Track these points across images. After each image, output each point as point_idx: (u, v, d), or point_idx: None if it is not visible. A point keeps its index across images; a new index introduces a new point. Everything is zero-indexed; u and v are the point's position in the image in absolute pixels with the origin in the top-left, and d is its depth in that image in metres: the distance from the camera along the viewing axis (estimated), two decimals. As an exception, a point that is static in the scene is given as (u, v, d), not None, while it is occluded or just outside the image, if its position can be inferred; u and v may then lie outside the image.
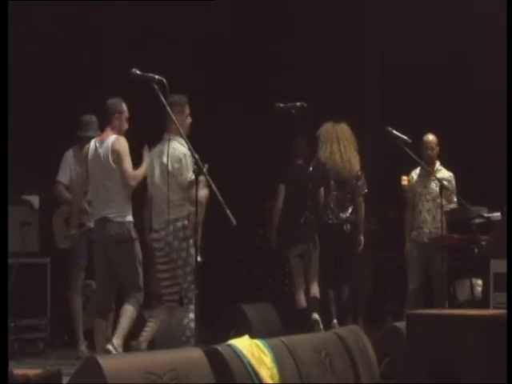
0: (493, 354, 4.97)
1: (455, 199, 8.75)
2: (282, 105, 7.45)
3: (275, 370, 4.79)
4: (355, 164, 8.43)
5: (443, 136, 9.08)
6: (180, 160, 6.74)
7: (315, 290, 8.30)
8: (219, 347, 4.69)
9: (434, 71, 10.73)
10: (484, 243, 8.47)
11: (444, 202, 8.35)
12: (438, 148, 8.95)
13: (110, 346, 6.56)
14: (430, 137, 8.93)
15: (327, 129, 8.48)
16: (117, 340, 6.62)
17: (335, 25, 11.15)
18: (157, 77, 6.06)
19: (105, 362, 3.99)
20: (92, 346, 7.96)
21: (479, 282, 8.67)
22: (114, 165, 6.80)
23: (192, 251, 6.64)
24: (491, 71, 9.73)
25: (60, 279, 8.59)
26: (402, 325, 5.69)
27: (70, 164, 8.27)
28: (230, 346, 4.75)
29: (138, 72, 6.15)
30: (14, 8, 5.89)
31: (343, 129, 8.50)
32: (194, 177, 6.21)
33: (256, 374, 4.67)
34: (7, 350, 4.77)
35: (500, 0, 9.09)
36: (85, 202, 7.80)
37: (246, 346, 4.77)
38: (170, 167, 6.72)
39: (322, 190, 8.31)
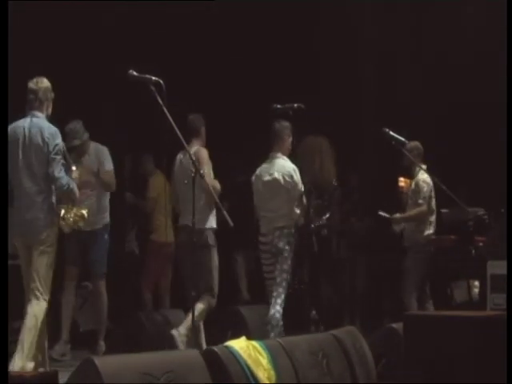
0: (489, 355, 4.97)
1: (422, 205, 8.60)
2: (279, 106, 7.45)
3: (272, 372, 4.80)
4: (332, 175, 8.53)
5: (441, 137, 9.08)
6: (292, 175, 7.54)
7: None
8: (216, 348, 4.70)
9: (431, 73, 10.74)
10: (481, 244, 8.49)
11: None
12: (415, 153, 8.82)
13: (174, 332, 7.01)
14: (412, 144, 8.80)
15: (307, 142, 8.63)
16: (182, 328, 7.04)
17: (332, 26, 11.16)
18: (154, 78, 6.05)
19: (102, 363, 3.99)
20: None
21: (476, 283, 8.69)
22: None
23: (291, 255, 7.53)
24: (489, 70, 9.74)
25: (57, 283, 8.57)
26: (398, 326, 5.70)
27: None
28: (226, 347, 4.75)
29: (134, 73, 6.13)
30: (13, 7, 5.90)
31: (322, 142, 8.62)
32: (303, 188, 7.55)
33: (253, 375, 4.68)
34: (7, 351, 4.78)
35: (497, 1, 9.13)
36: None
37: (243, 347, 4.77)
38: (282, 182, 7.49)
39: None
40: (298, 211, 7.61)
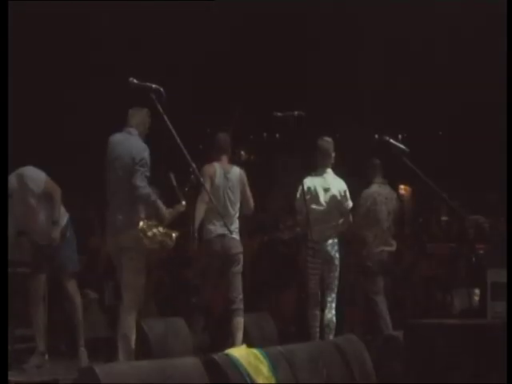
0: (490, 362, 4.97)
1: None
2: (280, 114, 7.45)
3: (272, 379, 4.79)
4: None
5: (442, 143, 9.07)
6: (345, 190, 8.01)
7: None
8: (216, 356, 4.69)
9: (433, 76, 10.74)
10: (481, 252, 8.49)
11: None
12: (371, 168, 8.89)
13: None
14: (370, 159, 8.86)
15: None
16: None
17: (332, 26, 11.18)
18: (154, 86, 6.06)
19: (102, 372, 3.99)
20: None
21: (477, 291, 8.69)
22: (239, 193, 7.69)
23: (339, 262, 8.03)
24: (490, 71, 9.74)
25: (56, 289, 8.55)
26: (399, 334, 5.70)
27: None
28: (227, 355, 4.74)
29: (135, 81, 6.14)
30: (13, 7, 5.92)
31: None
32: (351, 204, 8.01)
33: (253, 382, 4.67)
34: (7, 359, 4.78)
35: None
36: None
37: (243, 354, 4.76)
38: (338, 197, 7.93)
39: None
40: (344, 224, 8.08)
